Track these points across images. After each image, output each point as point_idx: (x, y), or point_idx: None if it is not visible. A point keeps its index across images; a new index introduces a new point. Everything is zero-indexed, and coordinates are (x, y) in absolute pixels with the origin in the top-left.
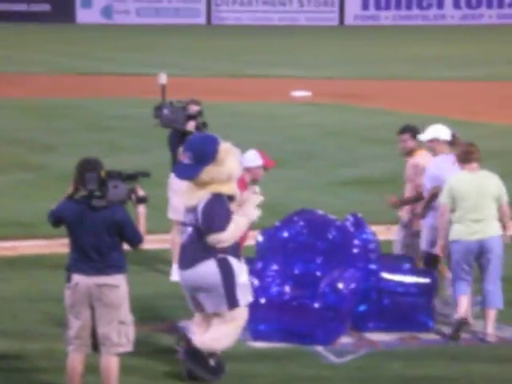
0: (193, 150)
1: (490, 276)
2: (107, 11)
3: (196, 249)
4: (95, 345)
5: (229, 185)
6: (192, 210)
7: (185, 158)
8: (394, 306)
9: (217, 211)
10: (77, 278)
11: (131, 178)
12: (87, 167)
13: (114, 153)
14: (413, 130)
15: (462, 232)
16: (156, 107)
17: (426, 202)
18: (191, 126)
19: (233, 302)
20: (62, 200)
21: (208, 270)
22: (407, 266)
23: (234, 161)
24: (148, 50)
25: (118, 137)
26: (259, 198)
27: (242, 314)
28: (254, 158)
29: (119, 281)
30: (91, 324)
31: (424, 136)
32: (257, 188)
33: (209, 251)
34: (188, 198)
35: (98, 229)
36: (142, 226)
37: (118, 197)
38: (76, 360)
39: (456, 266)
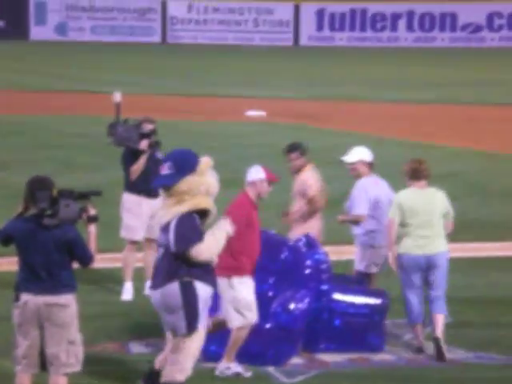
0: (173, 160)
1: (435, 288)
2: (62, 28)
3: (164, 269)
4: (43, 364)
5: (206, 198)
6: (165, 228)
7: (164, 168)
8: (345, 326)
9: (188, 227)
10: (26, 297)
11: (83, 196)
12: (38, 185)
13: (67, 171)
14: (300, 148)
15: (410, 246)
16: (110, 125)
17: (390, 234)
18: (144, 144)
19: (191, 327)
20: (12, 218)
21: (170, 291)
22: (359, 286)
23: (213, 175)
24: (103, 67)
25: (71, 154)
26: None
27: (198, 338)
28: (257, 172)
29: (69, 300)
30: (39, 343)
31: (349, 158)
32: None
33: (175, 273)
34: (162, 215)
35: (49, 248)
36: (92, 245)
37: (69, 216)
38: (24, 379)
39: (405, 279)
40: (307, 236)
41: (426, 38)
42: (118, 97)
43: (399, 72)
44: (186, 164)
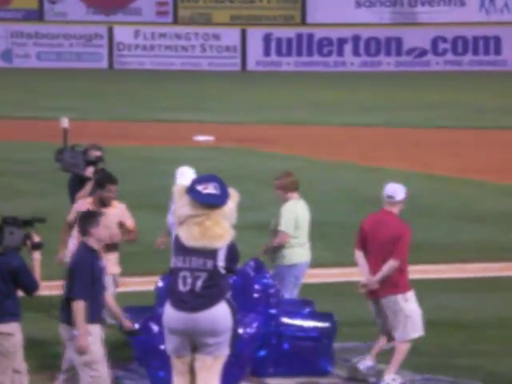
0: (217, 181)
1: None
2: (7, 55)
3: (209, 293)
4: None
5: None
6: (206, 254)
7: (208, 188)
8: (294, 350)
9: (236, 249)
10: None
11: (27, 223)
12: None
13: (12, 197)
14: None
15: (302, 255)
16: (57, 151)
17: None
18: (90, 171)
19: (233, 347)
20: None
21: (221, 313)
22: (307, 310)
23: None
24: (49, 93)
25: (16, 181)
26: None
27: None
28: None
29: (14, 329)
30: None
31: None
32: None
33: (221, 295)
34: (207, 241)
35: None
36: (37, 272)
37: (13, 243)
38: None
39: (294, 288)
40: (255, 260)
41: (372, 62)
42: (65, 122)
43: (347, 96)
44: (226, 188)
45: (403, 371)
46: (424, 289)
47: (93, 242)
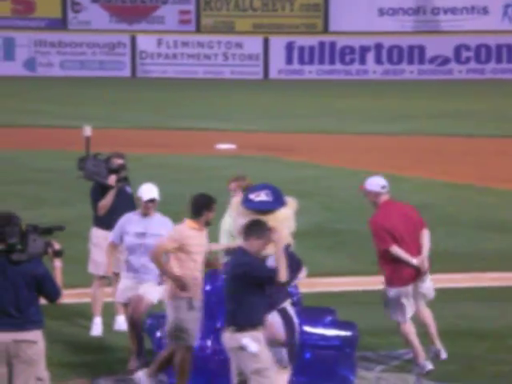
0: (270, 189)
1: None
2: (30, 64)
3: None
4: None
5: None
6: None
7: (260, 195)
8: (316, 359)
9: (293, 254)
10: None
11: (47, 232)
12: (5, 221)
13: (35, 206)
14: None
15: None
16: (80, 159)
17: None
18: (112, 180)
19: (293, 356)
20: None
21: (272, 322)
22: (329, 318)
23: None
24: (72, 102)
25: (40, 189)
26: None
27: None
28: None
29: (37, 336)
30: (8, 381)
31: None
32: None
33: (273, 303)
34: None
35: (18, 283)
36: (59, 280)
37: (37, 250)
38: None
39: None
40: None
41: (395, 70)
42: (87, 131)
43: (368, 104)
44: (281, 195)
45: (427, 381)
46: (444, 298)
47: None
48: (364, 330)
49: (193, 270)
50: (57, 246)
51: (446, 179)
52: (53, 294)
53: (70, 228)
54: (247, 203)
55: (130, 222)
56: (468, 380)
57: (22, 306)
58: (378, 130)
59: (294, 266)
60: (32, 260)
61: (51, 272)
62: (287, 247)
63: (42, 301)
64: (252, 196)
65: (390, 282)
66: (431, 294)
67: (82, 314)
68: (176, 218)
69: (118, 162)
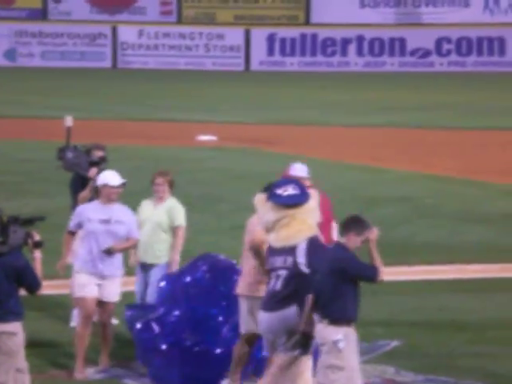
0: (295, 182)
1: None
2: (11, 54)
3: (287, 293)
4: None
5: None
6: (288, 250)
7: (287, 189)
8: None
9: (322, 247)
10: None
11: (28, 222)
12: None
13: (15, 196)
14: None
15: None
16: (60, 149)
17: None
18: (93, 172)
19: (306, 350)
20: None
21: (292, 313)
22: None
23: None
24: (53, 93)
25: (19, 180)
26: None
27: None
28: None
29: (17, 328)
30: None
31: None
32: None
33: (295, 296)
34: (285, 239)
35: None
36: (39, 271)
37: (17, 242)
38: None
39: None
40: None
41: (376, 62)
42: (69, 121)
43: (350, 96)
44: (305, 188)
45: (405, 372)
46: (425, 289)
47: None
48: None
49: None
50: (37, 237)
51: (427, 171)
52: (33, 285)
53: (50, 219)
54: (276, 198)
55: (93, 210)
56: (447, 371)
57: (2, 298)
58: (360, 122)
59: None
60: (12, 251)
61: (31, 263)
62: (317, 238)
63: (22, 292)
64: (280, 191)
65: None
66: None
67: (62, 305)
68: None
69: (99, 154)
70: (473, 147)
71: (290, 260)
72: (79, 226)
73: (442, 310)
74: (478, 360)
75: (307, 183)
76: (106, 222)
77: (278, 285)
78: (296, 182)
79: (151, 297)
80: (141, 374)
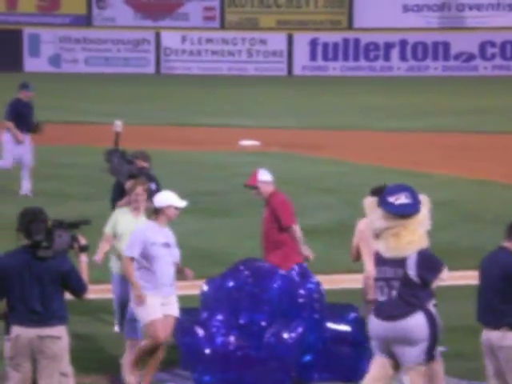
0: (407, 190)
1: None
2: (55, 60)
3: (404, 303)
4: None
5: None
6: (400, 261)
7: (399, 198)
8: (339, 355)
9: (433, 256)
10: (18, 329)
11: (73, 226)
12: (32, 217)
13: (59, 201)
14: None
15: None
16: (108, 152)
17: None
18: (128, 185)
19: (431, 356)
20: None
21: (417, 322)
22: (351, 315)
23: None
24: (97, 98)
25: (63, 185)
26: None
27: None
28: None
29: (61, 332)
30: (32, 376)
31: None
32: None
33: (418, 303)
34: (395, 250)
35: (43, 279)
36: (85, 275)
37: (62, 246)
38: None
39: None
40: (300, 265)
41: (419, 67)
42: (118, 126)
43: (393, 101)
44: (417, 195)
45: (450, 378)
46: (467, 294)
47: None
48: None
49: None
50: (82, 241)
51: (470, 176)
52: (78, 289)
53: (93, 223)
54: (388, 206)
55: (154, 233)
56: (475, 376)
57: (47, 302)
58: (403, 127)
59: (436, 266)
60: (57, 256)
61: (77, 267)
62: (427, 250)
63: (67, 296)
64: (392, 199)
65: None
66: None
67: (106, 309)
68: (200, 215)
69: (142, 164)
70: None
71: (400, 271)
72: (143, 252)
73: (472, 316)
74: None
75: (270, 188)
76: (167, 245)
77: (394, 294)
78: (409, 189)
79: None
80: (184, 378)
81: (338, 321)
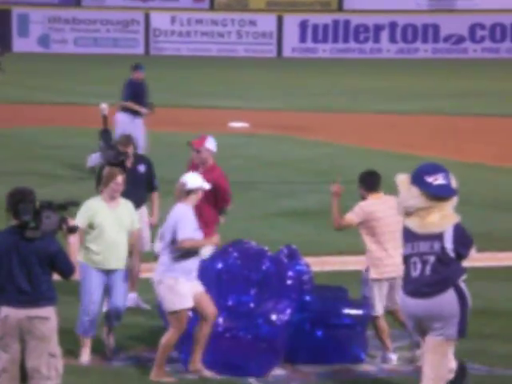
0: (444, 171)
1: None
2: (44, 40)
3: (438, 278)
4: (24, 377)
5: None
6: (436, 236)
7: (438, 178)
8: (327, 337)
9: (465, 231)
10: (6, 310)
11: (62, 207)
12: (20, 197)
13: (49, 183)
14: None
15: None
16: (104, 131)
17: None
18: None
19: (463, 331)
20: None
21: (449, 299)
22: (341, 297)
23: None
24: (86, 79)
25: (53, 166)
26: None
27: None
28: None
29: (50, 313)
30: (20, 356)
31: None
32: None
33: (449, 281)
34: (431, 225)
35: (31, 260)
36: (73, 256)
37: (50, 227)
38: None
39: None
40: (289, 247)
41: (409, 49)
42: (105, 109)
43: (382, 83)
44: (450, 176)
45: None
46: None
47: None
48: None
49: None
50: (71, 223)
51: (459, 158)
52: (66, 270)
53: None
54: (426, 187)
55: (193, 219)
56: (480, 359)
57: (35, 283)
58: (392, 109)
59: (469, 241)
60: (45, 237)
61: (65, 248)
62: (461, 224)
63: (55, 277)
64: (430, 179)
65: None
66: None
67: None
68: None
69: (124, 149)
70: (506, 134)
71: (437, 246)
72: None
73: (474, 297)
74: (511, 347)
75: (211, 159)
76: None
77: (428, 270)
78: (444, 170)
79: (122, 299)
80: (172, 359)
81: (326, 302)
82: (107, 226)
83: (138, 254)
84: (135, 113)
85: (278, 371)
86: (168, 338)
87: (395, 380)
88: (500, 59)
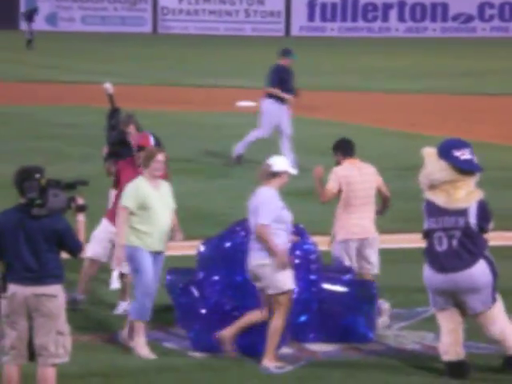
0: (469, 146)
1: None
2: (52, 19)
3: (465, 252)
4: (31, 355)
5: None
6: (458, 213)
7: (466, 153)
8: (335, 317)
9: (488, 207)
10: (14, 287)
11: (70, 186)
12: (26, 175)
13: (58, 161)
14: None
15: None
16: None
17: None
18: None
19: (495, 298)
20: None
21: (481, 270)
22: (348, 276)
23: None
24: (93, 58)
25: (61, 145)
26: None
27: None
28: None
29: (57, 291)
30: (28, 334)
31: None
32: None
33: (478, 253)
34: (457, 201)
35: (38, 238)
36: (81, 235)
37: (57, 205)
38: (12, 370)
39: None
40: (296, 226)
41: (418, 28)
42: (109, 88)
43: (391, 62)
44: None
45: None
46: None
47: None
48: (383, 287)
49: None
50: (80, 201)
51: (469, 138)
52: (74, 248)
53: (92, 184)
54: (454, 160)
55: (276, 200)
56: (487, 338)
57: (42, 261)
58: (401, 88)
59: (490, 216)
60: (53, 214)
61: (73, 226)
62: (484, 200)
63: (63, 255)
64: (458, 153)
65: None
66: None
67: (102, 268)
68: (197, 175)
69: (125, 129)
70: None
71: (462, 221)
72: (277, 217)
73: None
74: None
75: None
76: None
77: (454, 244)
78: (470, 145)
79: (157, 283)
80: (181, 338)
81: (333, 282)
82: (157, 207)
83: (181, 232)
84: (281, 99)
85: (286, 350)
86: (276, 322)
87: (403, 358)
88: (509, 38)
